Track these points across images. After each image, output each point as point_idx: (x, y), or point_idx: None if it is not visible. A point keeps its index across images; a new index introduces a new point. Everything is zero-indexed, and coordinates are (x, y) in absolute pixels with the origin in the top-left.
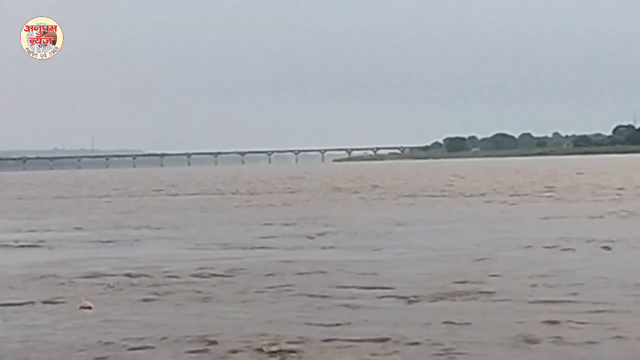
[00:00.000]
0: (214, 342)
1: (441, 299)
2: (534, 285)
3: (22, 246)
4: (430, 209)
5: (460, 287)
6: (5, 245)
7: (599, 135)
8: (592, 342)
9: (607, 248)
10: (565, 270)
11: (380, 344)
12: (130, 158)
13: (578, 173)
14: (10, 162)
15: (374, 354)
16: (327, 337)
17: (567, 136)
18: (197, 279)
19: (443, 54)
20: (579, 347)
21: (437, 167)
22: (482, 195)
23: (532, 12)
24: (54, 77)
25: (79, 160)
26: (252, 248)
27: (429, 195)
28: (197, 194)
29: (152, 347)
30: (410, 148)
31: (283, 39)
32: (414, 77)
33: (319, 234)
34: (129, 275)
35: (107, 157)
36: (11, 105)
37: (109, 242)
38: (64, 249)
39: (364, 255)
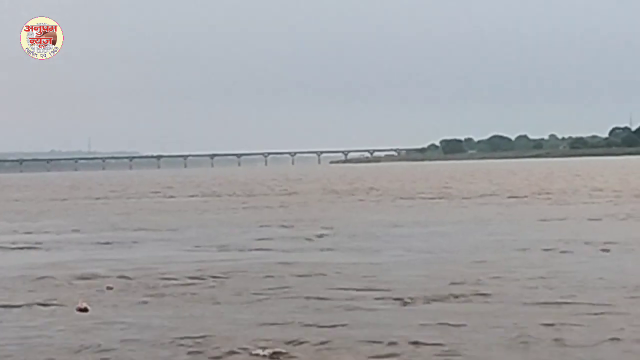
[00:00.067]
0: (211, 344)
1: (438, 300)
2: (531, 287)
3: (20, 248)
4: (428, 211)
5: (456, 289)
6: (2, 247)
7: (595, 137)
8: (589, 344)
9: (606, 250)
10: (563, 273)
11: (376, 346)
12: (127, 160)
13: (575, 175)
14: (7, 163)
15: (370, 356)
16: (323, 339)
17: (563, 138)
18: (194, 281)
19: (440, 56)
20: (576, 349)
21: (434, 169)
22: (479, 197)
23: (529, 14)
24: (51, 79)
25: (75, 162)
26: (249, 250)
27: (426, 198)
28: (194, 196)
29: (148, 349)
30: (407, 150)
31: (280, 41)
32: (411, 78)
33: (316, 236)
34: (126, 277)
35: (104, 158)
36: (8, 106)
37: (106, 244)
38: (61, 251)
39: (362, 258)
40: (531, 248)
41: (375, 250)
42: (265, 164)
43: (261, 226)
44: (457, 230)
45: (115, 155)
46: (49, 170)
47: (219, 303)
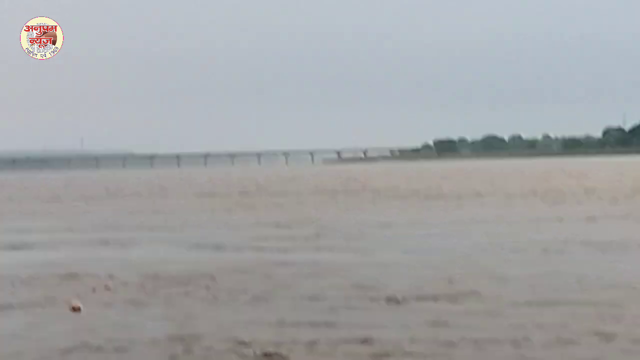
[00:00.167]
0: (202, 344)
1: (431, 300)
2: (527, 287)
3: (13, 247)
4: (423, 211)
5: (451, 289)
6: None
7: (589, 137)
8: (588, 344)
9: (603, 249)
10: (560, 272)
11: (367, 346)
12: (120, 159)
13: (569, 175)
14: None
15: (360, 356)
16: (313, 338)
17: (557, 138)
18: (189, 281)
19: (433, 57)
20: (573, 348)
21: (428, 169)
22: (474, 197)
23: (522, 15)
24: (44, 78)
25: (68, 161)
26: (244, 250)
27: (420, 198)
28: (189, 195)
29: (139, 349)
30: (400, 150)
31: (273, 40)
32: (405, 79)
33: (311, 236)
34: (120, 276)
35: (97, 158)
36: (0, 106)
37: (101, 243)
38: (55, 250)
39: (357, 258)
40: (528, 248)
41: (370, 250)
42: (259, 164)
43: (256, 226)
44: (453, 231)
45: (109, 155)
46: (42, 170)
47: (212, 303)
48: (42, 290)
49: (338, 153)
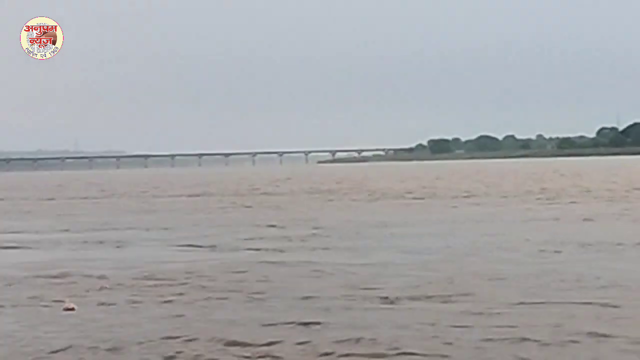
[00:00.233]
0: (195, 344)
1: (426, 300)
2: (524, 287)
3: (6, 247)
4: (418, 211)
5: (444, 289)
6: None
7: (582, 137)
8: (584, 342)
9: (597, 250)
10: (557, 272)
11: (358, 345)
12: (114, 159)
13: (562, 175)
14: None
15: (351, 356)
16: (307, 338)
17: (550, 138)
18: (183, 281)
19: (428, 56)
20: (569, 348)
21: (422, 168)
22: (469, 197)
23: (517, 15)
24: (37, 78)
25: (62, 161)
26: (239, 250)
27: (416, 197)
28: (183, 195)
29: (132, 349)
30: (395, 149)
31: (268, 41)
32: (399, 78)
33: (307, 236)
34: (115, 276)
35: (91, 158)
36: None
37: (95, 243)
38: (49, 250)
39: (352, 258)
40: (523, 248)
41: (366, 250)
42: (253, 164)
43: (251, 226)
44: (448, 230)
45: (103, 155)
46: (35, 170)
47: (207, 303)
48: (35, 290)
49: (332, 153)
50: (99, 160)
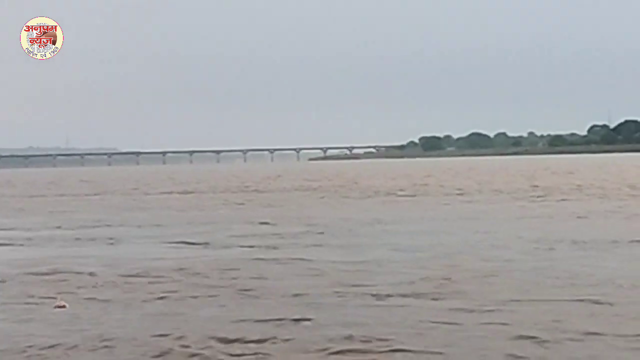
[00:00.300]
0: (185, 341)
1: (417, 298)
2: (517, 285)
3: None
4: (410, 208)
5: (436, 286)
6: None
7: (574, 134)
8: (576, 339)
9: (589, 247)
10: (550, 270)
11: (347, 342)
12: (106, 156)
13: (554, 172)
14: None
15: (342, 352)
16: (295, 336)
17: (542, 135)
18: (176, 278)
19: (419, 54)
20: (561, 345)
21: (414, 165)
22: (462, 194)
23: (508, 13)
24: (28, 75)
25: (54, 158)
26: (231, 247)
27: (408, 195)
28: (176, 192)
29: (122, 347)
30: (386, 147)
31: (258, 39)
32: (390, 76)
33: (299, 233)
34: (107, 273)
35: (83, 155)
36: None
37: (88, 240)
38: (41, 248)
39: (345, 255)
40: (516, 246)
41: (358, 248)
42: (244, 161)
43: (243, 223)
44: (441, 228)
45: (94, 152)
46: (27, 167)
47: (198, 300)
48: (27, 288)
49: (323, 150)
50: (91, 157)
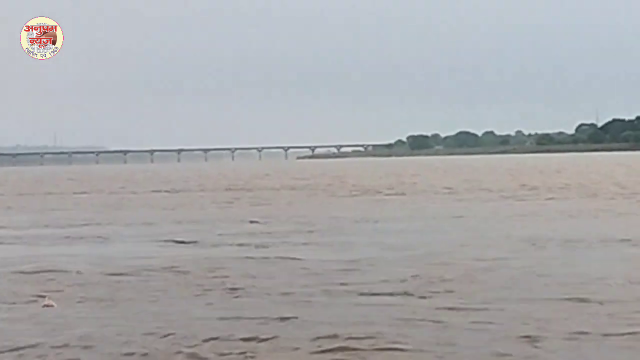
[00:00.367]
0: (168, 340)
1: (403, 296)
2: (506, 284)
3: None
4: (399, 207)
5: (423, 285)
6: None
7: (561, 133)
8: (563, 338)
9: (577, 246)
10: (538, 268)
11: (334, 340)
12: (94, 154)
13: (541, 171)
14: None
15: (328, 350)
16: (281, 334)
17: (530, 134)
18: (164, 277)
19: (408, 52)
20: (546, 342)
21: (402, 164)
22: (451, 193)
23: (494, 11)
24: (15, 73)
25: (41, 156)
26: (220, 246)
27: (397, 194)
28: (164, 191)
29: (109, 346)
30: (374, 146)
31: (246, 37)
32: (378, 74)
33: (288, 232)
34: (95, 272)
35: (70, 153)
36: None
37: (76, 239)
38: (30, 246)
39: (334, 254)
40: (504, 244)
41: (346, 246)
42: (232, 159)
43: (232, 222)
44: (429, 226)
45: (82, 150)
46: (14, 165)
47: (186, 299)
48: (15, 286)
49: (311, 149)
50: (78, 155)
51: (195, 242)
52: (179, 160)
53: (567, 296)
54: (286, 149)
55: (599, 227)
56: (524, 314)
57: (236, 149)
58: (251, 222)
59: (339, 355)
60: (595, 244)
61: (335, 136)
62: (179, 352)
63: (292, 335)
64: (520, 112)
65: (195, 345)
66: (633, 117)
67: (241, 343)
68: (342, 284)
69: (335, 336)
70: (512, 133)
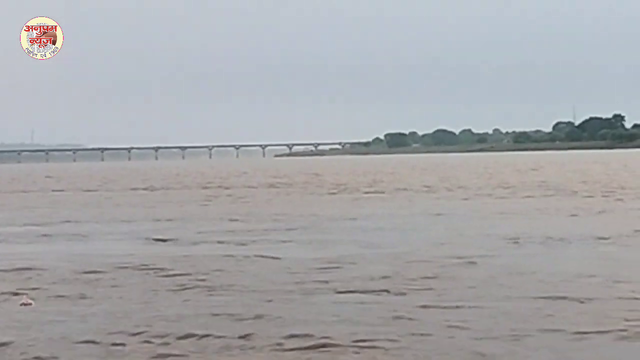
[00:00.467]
0: (139, 338)
1: (381, 294)
2: (480, 282)
3: None
4: (378, 205)
5: (402, 283)
6: None
7: (539, 131)
8: (532, 336)
9: (557, 244)
10: (515, 267)
11: (308, 339)
12: (71, 152)
13: (518, 170)
14: None
15: (302, 350)
16: (255, 332)
17: (507, 132)
18: (142, 274)
19: (385, 50)
20: (530, 340)
21: (380, 162)
22: (430, 191)
23: (471, 9)
24: None
25: (18, 154)
26: (199, 243)
27: (376, 191)
28: (142, 189)
29: (87, 345)
30: (351, 143)
31: (225, 36)
32: (355, 72)
33: (267, 230)
34: (74, 270)
35: (47, 151)
36: None
37: (55, 236)
38: (8, 244)
39: (313, 252)
40: (484, 243)
41: (325, 244)
42: (210, 157)
43: (211, 219)
44: (409, 224)
45: (59, 148)
46: None
47: (161, 297)
48: None
49: (289, 147)
50: (56, 153)
51: (173, 239)
52: (156, 158)
53: (546, 294)
54: (264, 147)
55: (578, 225)
56: (504, 312)
57: (214, 146)
58: (230, 220)
59: (314, 353)
60: (574, 241)
61: (313, 134)
62: (154, 350)
63: (268, 333)
64: (497, 110)
65: (170, 343)
66: (610, 115)
67: (216, 340)
68: (320, 281)
69: (311, 334)
70: (490, 131)
